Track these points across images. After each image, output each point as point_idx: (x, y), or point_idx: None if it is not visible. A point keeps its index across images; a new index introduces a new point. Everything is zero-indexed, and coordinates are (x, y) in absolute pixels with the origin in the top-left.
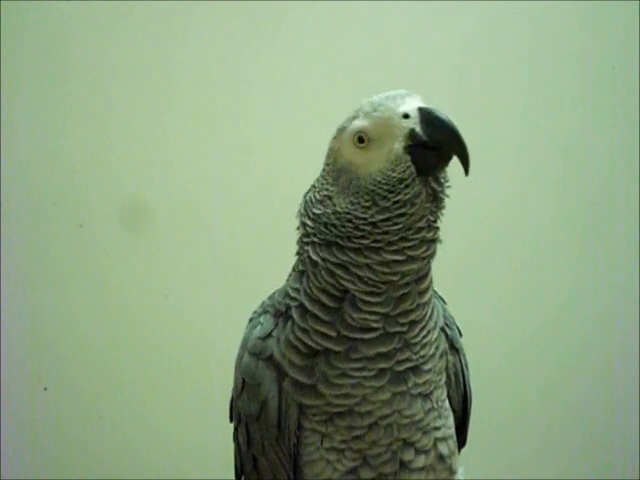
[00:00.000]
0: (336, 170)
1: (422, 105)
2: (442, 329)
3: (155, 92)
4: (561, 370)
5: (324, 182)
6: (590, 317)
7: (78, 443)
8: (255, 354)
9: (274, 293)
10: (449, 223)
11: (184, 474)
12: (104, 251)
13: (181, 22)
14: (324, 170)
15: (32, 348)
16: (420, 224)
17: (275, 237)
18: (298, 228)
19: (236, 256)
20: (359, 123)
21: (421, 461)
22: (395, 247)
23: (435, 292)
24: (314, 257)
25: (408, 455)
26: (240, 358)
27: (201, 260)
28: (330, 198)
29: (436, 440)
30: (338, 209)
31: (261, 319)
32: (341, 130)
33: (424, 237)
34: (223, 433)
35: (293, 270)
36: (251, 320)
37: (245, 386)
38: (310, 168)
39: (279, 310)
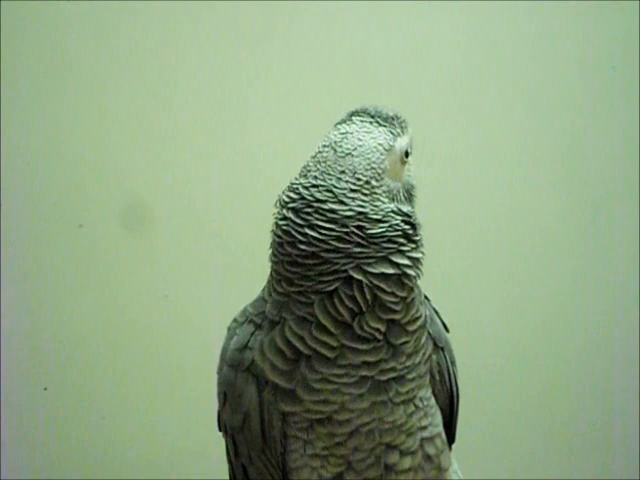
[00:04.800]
0: (390, 189)
1: None
2: (427, 330)
3: (155, 92)
4: (560, 368)
5: (379, 203)
6: (590, 315)
7: (79, 443)
8: (234, 366)
9: (259, 302)
10: (450, 222)
11: (185, 474)
12: (104, 251)
13: (182, 23)
14: (374, 194)
15: (32, 348)
16: None
17: None
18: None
19: (237, 256)
20: (406, 139)
21: (407, 462)
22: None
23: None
24: (358, 276)
25: (392, 458)
26: (220, 370)
27: (201, 260)
28: (395, 212)
29: (422, 440)
30: (410, 214)
31: (237, 330)
32: (391, 150)
33: None
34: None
35: (284, 295)
36: (229, 329)
37: (227, 399)
38: None
39: (273, 320)
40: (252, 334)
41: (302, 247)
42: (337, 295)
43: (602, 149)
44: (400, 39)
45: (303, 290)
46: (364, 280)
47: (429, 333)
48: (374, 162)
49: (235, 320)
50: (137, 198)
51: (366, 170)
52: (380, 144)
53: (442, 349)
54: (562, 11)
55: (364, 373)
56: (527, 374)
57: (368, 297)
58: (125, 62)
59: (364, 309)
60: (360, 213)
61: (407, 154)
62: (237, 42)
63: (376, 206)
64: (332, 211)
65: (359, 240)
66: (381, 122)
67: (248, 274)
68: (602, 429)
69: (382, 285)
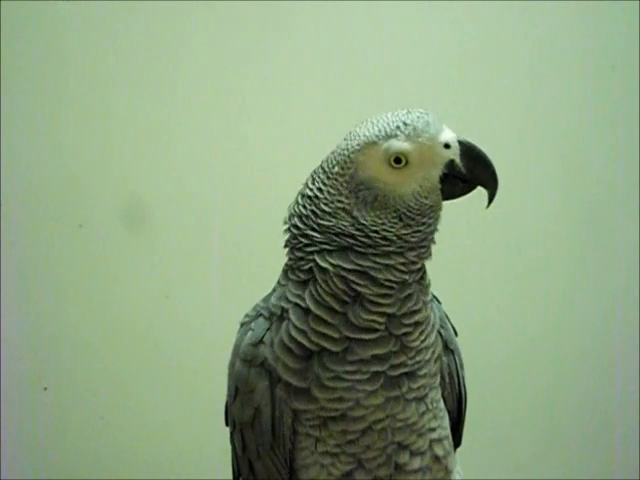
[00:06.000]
0: (355, 183)
1: (459, 137)
2: (438, 331)
3: (156, 92)
4: (561, 369)
5: (334, 193)
6: (590, 316)
7: (78, 443)
8: (247, 361)
9: (268, 296)
10: (450, 223)
11: (184, 474)
12: (104, 251)
13: (182, 23)
14: (334, 180)
15: (32, 348)
16: (431, 238)
17: (276, 237)
18: (290, 241)
19: (237, 256)
20: (400, 145)
21: (417, 463)
22: (414, 251)
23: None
24: (324, 265)
25: (403, 458)
26: (232, 365)
27: (201, 260)
28: (346, 211)
29: (431, 441)
30: (362, 222)
31: (252, 325)
32: (370, 145)
33: (433, 239)
34: (223, 433)
35: (286, 279)
36: (242, 325)
37: (238, 393)
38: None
39: (274, 313)
40: (267, 330)
41: (287, 225)
42: (317, 281)
43: (602, 148)
44: (401, 40)
45: (295, 265)
46: (330, 269)
47: (440, 334)
48: (347, 149)
49: (247, 315)
50: (137, 198)
51: (339, 155)
52: (365, 135)
53: (452, 352)
54: (562, 11)
55: (375, 368)
56: (527, 376)
57: (340, 286)
58: (125, 62)
59: (344, 298)
60: (316, 197)
61: (399, 160)
62: (238, 42)
63: (332, 195)
64: (306, 186)
65: (313, 225)
66: (393, 119)
67: (248, 274)
68: (602, 430)
69: (352, 278)
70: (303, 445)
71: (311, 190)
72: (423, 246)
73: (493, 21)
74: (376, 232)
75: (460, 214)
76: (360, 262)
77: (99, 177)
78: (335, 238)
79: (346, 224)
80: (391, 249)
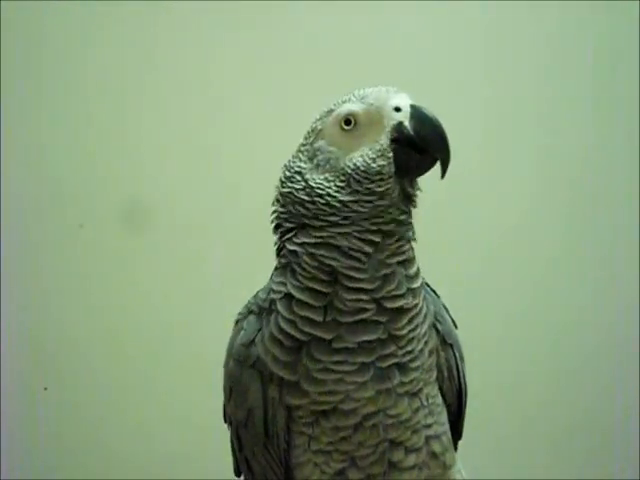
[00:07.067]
0: (313, 149)
1: (414, 102)
2: (433, 325)
3: (156, 92)
4: (562, 368)
5: (296, 160)
6: (591, 313)
7: (78, 443)
8: (239, 361)
9: (257, 292)
10: (451, 222)
11: (184, 474)
12: (104, 251)
13: (182, 23)
14: (298, 151)
15: (32, 348)
16: (390, 211)
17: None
18: (273, 222)
19: (236, 256)
20: (350, 106)
21: (412, 460)
22: (368, 221)
23: (428, 285)
24: (293, 247)
25: (397, 455)
26: (226, 364)
27: (201, 260)
28: (301, 174)
29: (428, 438)
30: (311, 184)
31: (244, 324)
32: (329, 112)
33: (394, 218)
34: (223, 433)
35: (275, 269)
36: (236, 322)
37: (232, 393)
38: None
39: (263, 307)
40: (259, 330)
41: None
42: (292, 265)
43: (602, 148)
44: (400, 39)
45: (280, 245)
46: (298, 249)
47: (437, 330)
48: (314, 121)
49: (240, 313)
50: (137, 198)
51: (309, 129)
52: (330, 107)
53: (451, 346)
54: (562, 11)
55: (362, 359)
56: (529, 375)
57: (312, 263)
58: (125, 63)
59: (321, 276)
60: (284, 165)
61: (348, 122)
62: (236, 43)
63: (293, 163)
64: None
65: (278, 196)
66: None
67: (248, 274)
68: (602, 429)
69: (320, 252)
70: (296, 443)
71: (288, 161)
72: (379, 217)
73: (493, 21)
74: (320, 196)
75: (460, 213)
76: (319, 234)
77: (99, 177)
78: (292, 209)
79: (299, 187)
80: (336, 219)
